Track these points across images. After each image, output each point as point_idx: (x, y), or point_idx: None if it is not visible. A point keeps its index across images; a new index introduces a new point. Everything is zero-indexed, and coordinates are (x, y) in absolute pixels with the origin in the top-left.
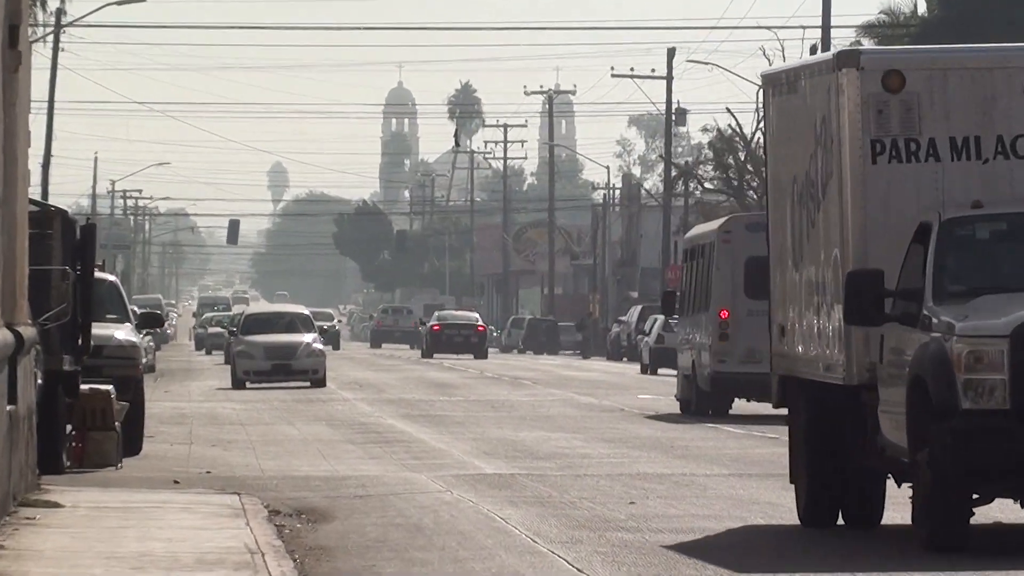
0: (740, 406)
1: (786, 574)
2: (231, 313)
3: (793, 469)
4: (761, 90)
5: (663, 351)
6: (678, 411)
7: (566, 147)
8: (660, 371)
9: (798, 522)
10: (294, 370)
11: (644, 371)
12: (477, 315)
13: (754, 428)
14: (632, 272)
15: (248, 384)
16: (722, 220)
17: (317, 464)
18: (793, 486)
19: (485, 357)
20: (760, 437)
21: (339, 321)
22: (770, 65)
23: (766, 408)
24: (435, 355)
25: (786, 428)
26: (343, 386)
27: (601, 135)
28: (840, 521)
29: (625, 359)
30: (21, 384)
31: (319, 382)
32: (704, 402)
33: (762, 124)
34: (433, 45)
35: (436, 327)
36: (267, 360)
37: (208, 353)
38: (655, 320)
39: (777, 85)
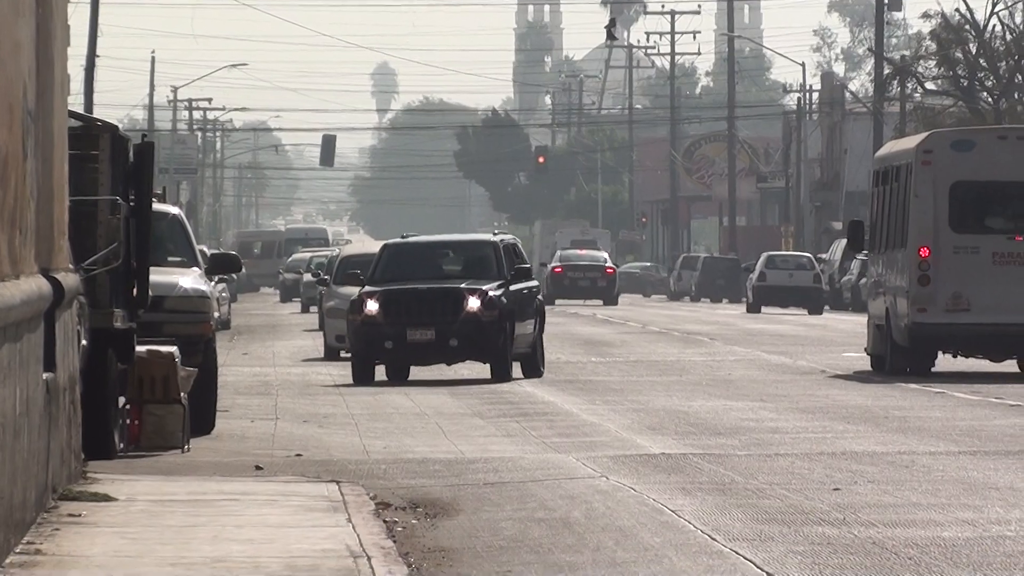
0: (945, 363)
1: None
2: (329, 252)
3: None
4: None
5: (767, 289)
6: (870, 369)
7: (750, 39)
8: (763, 310)
9: None
10: None
11: (751, 309)
12: (606, 255)
13: (991, 394)
14: (835, 197)
15: (343, 354)
16: (921, 137)
17: (437, 444)
18: None
19: (615, 303)
20: (999, 405)
21: None
22: None
23: (977, 365)
24: (557, 301)
25: None
26: None
27: (794, 24)
28: None
29: (828, 307)
30: (61, 346)
31: None
32: (900, 358)
33: (1001, 8)
34: None
35: (558, 269)
36: None
37: (305, 310)
38: (763, 256)
39: None
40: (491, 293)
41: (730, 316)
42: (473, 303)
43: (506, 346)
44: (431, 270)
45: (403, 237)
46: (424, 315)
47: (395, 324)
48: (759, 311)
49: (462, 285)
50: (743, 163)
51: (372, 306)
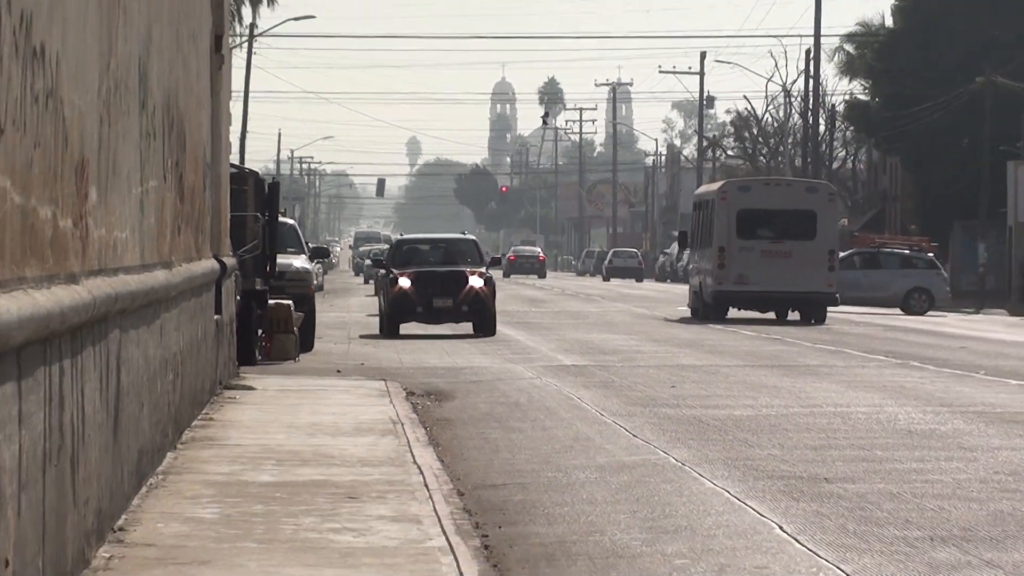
0: (734, 314)
1: (784, 438)
2: (382, 246)
3: None
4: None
5: (613, 268)
6: (690, 317)
7: (625, 124)
8: (612, 280)
9: (798, 398)
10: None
11: (604, 280)
12: (539, 250)
13: (762, 332)
14: (674, 216)
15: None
16: (721, 183)
17: (442, 358)
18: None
19: (544, 277)
20: (767, 338)
21: None
22: (775, 64)
23: (753, 316)
24: (511, 276)
25: (785, 329)
26: None
27: (651, 116)
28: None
29: (669, 280)
30: (225, 300)
31: None
32: (708, 312)
33: (771, 107)
34: (528, 49)
35: (512, 257)
36: None
37: (366, 282)
38: (611, 250)
39: None
40: (486, 275)
41: (611, 285)
42: (476, 282)
43: (494, 311)
44: (433, 257)
45: (400, 235)
46: (445, 289)
47: (424, 295)
48: (609, 281)
49: (466, 269)
50: (622, 196)
51: (405, 282)
